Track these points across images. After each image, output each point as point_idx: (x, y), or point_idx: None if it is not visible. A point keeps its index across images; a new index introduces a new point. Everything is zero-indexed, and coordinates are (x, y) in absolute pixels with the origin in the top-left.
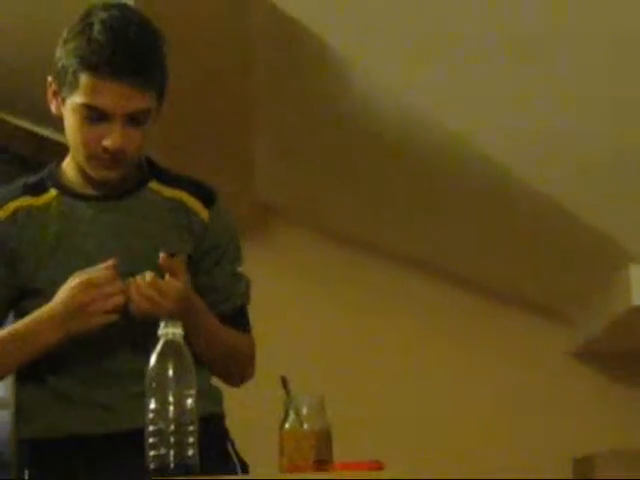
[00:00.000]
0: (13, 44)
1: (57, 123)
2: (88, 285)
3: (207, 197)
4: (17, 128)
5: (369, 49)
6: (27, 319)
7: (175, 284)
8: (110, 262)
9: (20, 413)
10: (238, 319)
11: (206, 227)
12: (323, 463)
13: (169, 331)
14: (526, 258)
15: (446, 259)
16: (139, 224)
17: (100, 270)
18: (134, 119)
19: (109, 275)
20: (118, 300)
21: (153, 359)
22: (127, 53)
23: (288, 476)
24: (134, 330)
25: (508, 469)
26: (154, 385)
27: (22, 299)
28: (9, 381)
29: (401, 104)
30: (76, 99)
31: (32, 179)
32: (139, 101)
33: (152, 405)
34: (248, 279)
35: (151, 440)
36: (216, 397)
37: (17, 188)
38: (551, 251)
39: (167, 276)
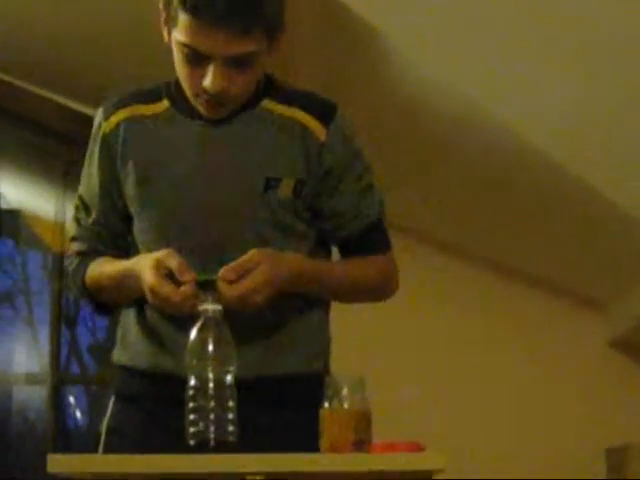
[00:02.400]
0: (48, 19)
1: (88, 97)
2: (159, 299)
3: (325, 113)
4: (50, 102)
5: (420, 37)
6: (129, 266)
7: (256, 284)
8: (191, 277)
9: (118, 339)
10: (370, 238)
11: (323, 146)
12: (362, 444)
13: (209, 307)
14: (563, 247)
15: (484, 246)
16: (245, 148)
17: (178, 287)
18: (237, 61)
19: (186, 293)
20: (190, 309)
21: (193, 335)
22: None
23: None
24: None
25: (541, 458)
26: (194, 362)
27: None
28: (45, 357)
29: (451, 93)
30: (177, 36)
31: (148, 87)
32: (241, 45)
33: (192, 382)
34: (379, 193)
35: (191, 417)
36: (316, 354)
37: (125, 97)
38: (588, 240)
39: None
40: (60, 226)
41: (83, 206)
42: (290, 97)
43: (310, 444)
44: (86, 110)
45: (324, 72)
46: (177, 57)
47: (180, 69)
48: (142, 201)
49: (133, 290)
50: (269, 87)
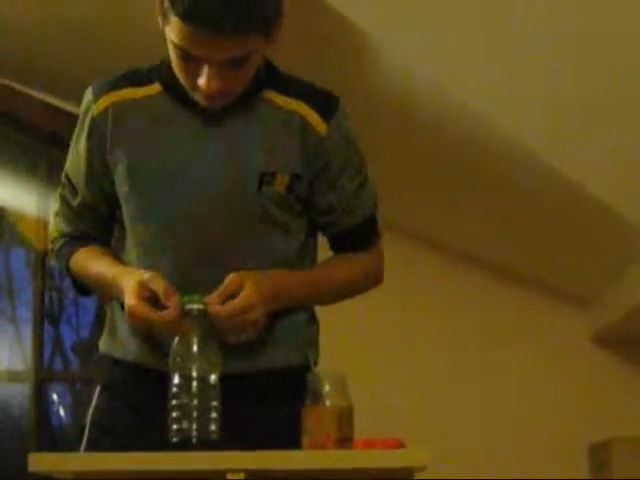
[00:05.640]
0: (32, 15)
1: (73, 95)
2: (139, 321)
3: (327, 107)
4: (35, 100)
5: (398, 29)
6: (114, 278)
7: (248, 303)
8: (176, 300)
9: (106, 329)
10: (363, 233)
11: (322, 142)
12: (345, 441)
13: (193, 307)
14: (547, 243)
15: (467, 242)
16: (242, 140)
17: (162, 312)
18: (232, 62)
19: (171, 315)
20: (175, 331)
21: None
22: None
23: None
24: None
25: (524, 453)
26: (178, 360)
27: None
28: (29, 356)
29: (437, 90)
30: (169, 34)
31: (140, 68)
32: (236, 49)
33: (176, 380)
34: (373, 186)
35: (174, 414)
36: (303, 348)
37: (117, 79)
38: (572, 236)
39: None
40: (44, 224)
41: (69, 184)
42: (292, 88)
43: (298, 438)
44: (70, 108)
45: (306, 71)
46: (171, 52)
47: (174, 62)
48: (131, 189)
49: (114, 297)
50: (270, 75)
